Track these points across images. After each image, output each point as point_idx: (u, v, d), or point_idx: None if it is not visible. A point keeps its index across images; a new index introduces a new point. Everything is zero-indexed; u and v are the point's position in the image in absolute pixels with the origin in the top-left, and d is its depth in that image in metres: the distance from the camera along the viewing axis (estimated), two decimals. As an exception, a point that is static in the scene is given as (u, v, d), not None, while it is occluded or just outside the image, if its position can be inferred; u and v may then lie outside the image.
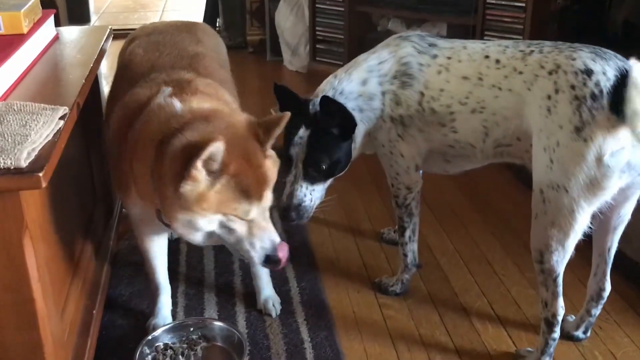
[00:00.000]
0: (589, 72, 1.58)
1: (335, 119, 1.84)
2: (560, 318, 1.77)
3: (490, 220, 2.66)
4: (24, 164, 1.11)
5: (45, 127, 1.23)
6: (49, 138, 1.22)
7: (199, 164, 1.35)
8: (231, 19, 5.29)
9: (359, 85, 1.90)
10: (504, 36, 3.46)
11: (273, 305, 2.09)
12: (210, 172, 1.39)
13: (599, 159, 1.55)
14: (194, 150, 1.36)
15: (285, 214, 1.91)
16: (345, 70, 1.94)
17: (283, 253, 1.55)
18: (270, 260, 1.54)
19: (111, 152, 1.72)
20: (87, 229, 1.87)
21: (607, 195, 1.61)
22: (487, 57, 1.79)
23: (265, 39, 5.03)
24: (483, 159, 1.91)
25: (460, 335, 2.00)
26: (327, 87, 1.93)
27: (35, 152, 1.15)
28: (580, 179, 1.58)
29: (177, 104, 1.56)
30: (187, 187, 1.38)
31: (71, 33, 2.05)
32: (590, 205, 1.62)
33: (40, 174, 1.10)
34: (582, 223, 1.64)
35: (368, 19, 4.42)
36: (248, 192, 1.44)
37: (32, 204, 1.21)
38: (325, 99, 1.82)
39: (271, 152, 1.54)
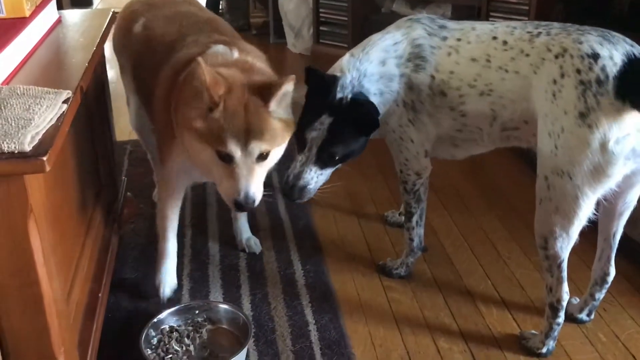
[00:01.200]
0: (595, 57, 1.56)
1: (364, 118, 1.81)
2: (564, 303, 1.78)
3: (495, 203, 2.66)
4: (27, 148, 1.10)
5: (49, 111, 1.23)
6: (53, 122, 1.21)
7: (200, 97, 1.60)
8: (234, 1, 5.26)
9: (378, 65, 1.86)
10: (510, 17, 3.43)
11: (254, 243, 2.33)
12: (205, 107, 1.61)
13: (604, 146, 1.53)
14: (202, 84, 1.59)
15: (289, 192, 1.91)
16: (362, 49, 1.88)
17: (251, 203, 1.66)
18: (237, 205, 1.67)
19: (158, 110, 1.92)
20: (92, 211, 1.87)
21: (611, 183, 1.60)
22: (495, 38, 1.76)
23: (269, 22, 5.01)
24: (490, 143, 1.90)
25: (465, 318, 2.00)
26: (349, 67, 1.85)
27: (39, 136, 1.15)
28: (585, 166, 1.56)
29: (234, 53, 1.83)
30: (189, 112, 1.65)
31: (74, 16, 2.04)
32: (595, 193, 1.60)
33: (44, 158, 1.10)
34: (586, 210, 1.63)
35: (372, 0, 4.39)
36: (235, 133, 1.60)
37: (37, 188, 1.21)
38: (359, 100, 1.80)
39: (282, 114, 1.68)
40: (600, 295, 1.93)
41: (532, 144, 1.79)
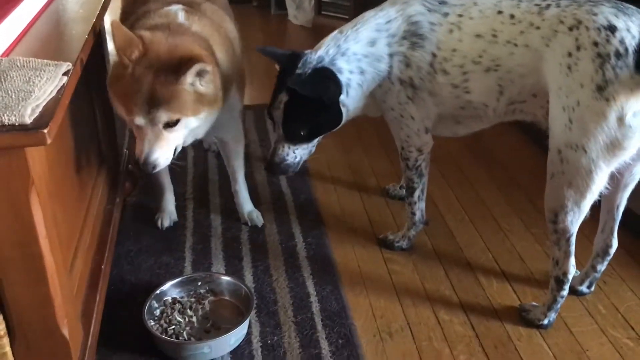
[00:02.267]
0: (612, 29, 1.53)
1: (315, 89, 1.78)
2: (570, 277, 1.78)
3: (496, 176, 2.66)
4: (28, 120, 1.10)
5: (49, 83, 1.23)
6: (53, 94, 1.21)
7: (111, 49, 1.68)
8: (235, -28, 5.21)
9: (366, 45, 1.84)
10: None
11: (256, 216, 2.35)
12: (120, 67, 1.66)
13: (621, 119, 1.52)
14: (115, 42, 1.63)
15: (268, 167, 1.96)
16: (353, 27, 1.87)
17: (150, 167, 1.73)
18: (135, 162, 1.76)
19: None
20: (94, 185, 1.87)
21: (626, 156, 1.59)
22: (500, 12, 1.73)
23: (270, -7, 4.97)
24: (495, 118, 1.88)
25: (465, 290, 2.02)
26: (330, 44, 1.85)
27: (40, 109, 1.15)
28: (601, 139, 1.55)
29: (181, 15, 1.87)
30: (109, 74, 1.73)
31: (73, -13, 2.02)
32: (609, 166, 1.59)
33: (45, 131, 1.10)
34: (599, 183, 1.62)
35: (374, -29, 4.35)
36: (139, 98, 1.64)
37: (38, 160, 1.21)
38: (315, 72, 1.79)
39: (200, 88, 1.70)
40: (602, 267, 1.93)
41: (538, 117, 1.78)
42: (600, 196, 1.68)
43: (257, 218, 2.36)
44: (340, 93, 1.83)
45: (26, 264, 1.23)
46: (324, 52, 1.84)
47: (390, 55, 1.84)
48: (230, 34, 2.09)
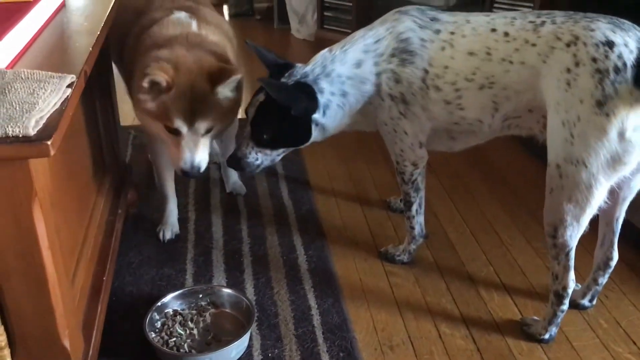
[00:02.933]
0: (610, 44, 1.54)
1: (289, 103, 1.81)
2: (570, 291, 1.78)
3: (497, 189, 2.66)
4: (32, 132, 1.11)
5: (53, 95, 1.23)
6: (57, 106, 1.22)
7: (145, 84, 1.75)
8: (238, -15, 5.24)
9: (352, 67, 1.85)
10: (515, 4, 3.41)
11: (239, 187, 2.58)
12: (157, 90, 1.77)
13: (621, 134, 1.52)
14: (144, 70, 1.76)
15: (229, 160, 2.01)
16: (342, 47, 1.88)
17: (196, 172, 1.89)
18: (184, 172, 1.89)
19: (126, 72, 2.08)
20: (96, 196, 1.88)
21: (626, 170, 1.59)
22: (493, 30, 1.73)
23: (273, 7, 4.99)
24: (490, 133, 1.89)
25: (467, 304, 2.01)
26: (318, 63, 1.87)
27: (44, 120, 1.15)
28: (601, 155, 1.55)
29: (193, 22, 1.97)
30: (139, 95, 1.80)
31: (78, 0, 2.03)
32: (609, 181, 1.60)
33: (49, 142, 1.10)
34: (599, 198, 1.62)
35: (377, -15, 4.37)
36: (182, 112, 1.78)
37: (41, 171, 1.21)
38: (295, 86, 1.83)
39: (228, 94, 1.84)
40: (603, 280, 1.93)
41: (535, 131, 1.79)
42: (599, 210, 1.68)
43: (241, 188, 2.58)
44: (313, 111, 1.86)
45: (28, 275, 1.23)
46: (310, 69, 1.87)
47: (378, 74, 1.85)
48: (229, 32, 2.19)
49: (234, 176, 2.61)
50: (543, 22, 1.68)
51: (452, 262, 2.22)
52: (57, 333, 1.30)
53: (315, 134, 1.92)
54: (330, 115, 1.89)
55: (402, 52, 1.81)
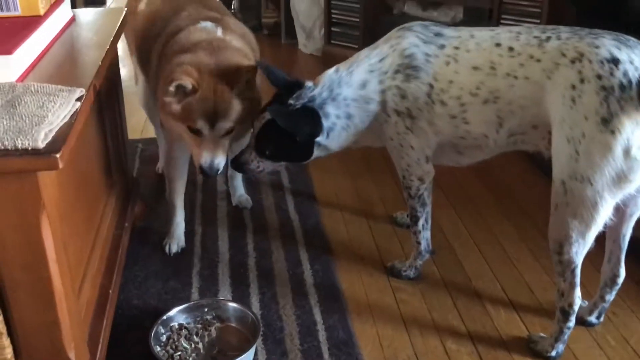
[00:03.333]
0: (615, 61, 1.54)
1: (290, 126, 1.83)
2: (576, 308, 1.77)
3: (504, 205, 2.65)
4: (41, 145, 1.12)
5: (62, 108, 1.24)
6: (66, 119, 1.22)
7: (171, 88, 1.82)
8: (246, 1, 5.27)
9: (357, 89, 1.87)
10: (521, 19, 3.42)
11: (246, 200, 2.60)
12: (182, 93, 1.84)
13: (627, 152, 1.52)
14: (170, 74, 1.84)
15: (232, 162, 2.05)
16: (347, 68, 1.89)
17: (215, 171, 1.96)
18: (202, 171, 1.96)
19: (153, 75, 2.16)
20: (103, 209, 1.88)
21: (631, 188, 1.58)
22: (498, 45, 1.73)
23: (280, 22, 5.02)
24: (496, 148, 1.88)
25: (473, 320, 2.00)
26: (325, 85, 1.88)
27: (53, 133, 1.16)
28: (607, 172, 1.54)
29: (218, 30, 2.05)
30: (165, 97, 1.88)
31: (87, 15, 2.05)
32: (614, 198, 1.59)
33: (57, 155, 1.11)
34: (604, 215, 1.61)
35: (384, 1, 4.39)
36: (205, 114, 1.85)
37: (50, 184, 1.22)
38: (301, 110, 1.84)
39: (248, 93, 1.89)
40: (610, 297, 1.92)
41: (540, 147, 1.78)
42: (605, 226, 1.67)
43: (247, 201, 2.60)
44: (316, 135, 1.88)
45: (35, 287, 1.23)
46: (318, 92, 1.87)
47: (382, 92, 1.86)
48: (253, 43, 2.23)
49: (240, 189, 2.63)
50: (548, 38, 1.68)
51: (459, 277, 2.21)
52: (63, 346, 1.30)
53: (317, 153, 1.95)
54: (334, 137, 1.92)
55: (407, 68, 1.82)
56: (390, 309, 2.05)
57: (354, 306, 2.06)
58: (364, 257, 2.33)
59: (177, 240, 2.35)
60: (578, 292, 1.76)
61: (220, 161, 1.95)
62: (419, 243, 2.14)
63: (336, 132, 1.91)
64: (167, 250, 2.32)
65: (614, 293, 1.91)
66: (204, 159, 1.93)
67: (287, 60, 4.59)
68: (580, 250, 1.68)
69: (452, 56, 1.79)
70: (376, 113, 1.89)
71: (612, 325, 1.97)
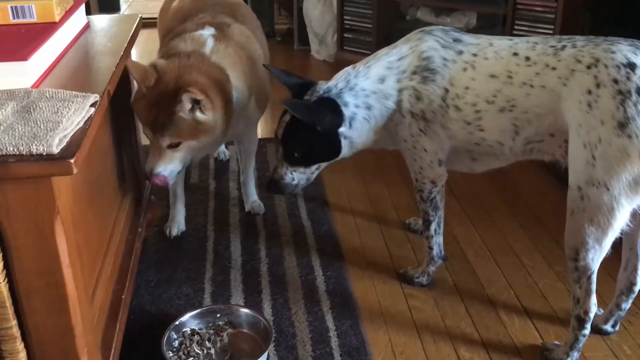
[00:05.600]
0: (632, 66, 1.53)
1: (309, 116, 1.83)
2: (592, 315, 1.75)
3: (518, 212, 2.64)
4: (55, 150, 1.12)
5: (77, 114, 1.25)
6: (80, 125, 1.23)
7: (136, 83, 1.88)
8: (259, 7, 5.29)
9: (375, 82, 1.87)
10: (535, 25, 3.41)
11: (259, 205, 2.60)
12: (140, 92, 1.88)
13: None
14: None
15: (268, 185, 2.03)
16: (365, 64, 1.90)
17: (156, 180, 1.98)
18: (145, 176, 2.01)
19: None
20: (116, 215, 1.89)
21: None
22: (515, 54, 1.74)
23: (293, 28, 5.03)
24: (512, 156, 1.88)
25: (487, 327, 1.99)
26: (341, 78, 1.89)
27: (67, 139, 1.17)
28: (624, 177, 1.53)
29: (209, 44, 2.05)
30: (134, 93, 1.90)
31: (102, 21, 2.07)
32: (631, 203, 1.58)
33: (72, 160, 1.11)
34: (621, 221, 1.60)
35: (397, 7, 4.40)
36: (145, 122, 1.91)
37: (64, 189, 1.23)
38: (318, 101, 1.85)
39: (198, 115, 1.88)
40: (627, 305, 1.90)
41: (557, 156, 1.77)
42: (621, 233, 1.66)
43: (259, 207, 2.60)
44: (339, 125, 1.86)
45: (49, 293, 1.24)
46: (333, 84, 1.88)
47: (400, 91, 1.86)
48: (255, 52, 2.26)
49: (253, 195, 2.63)
50: (564, 47, 1.68)
51: (472, 285, 2.19)
52: (76, 351, 1.30)
53: (345, 148, 1.93)
54: (357, 127, 1.90)
55: (424, 70, 1.83)
56: (403, 316, 2.04)
57: (366, 313, 2.05)
58: (376, 263, 2.32)
59: (177, 224, 2.46)
60: (594, 299, 1.74)
61: (161, 170, 1.95)
62: (431, 248, 2.13)
63: (358, 122, 1.89)
64: (167, 233, 2.44)
65: (630, 301, 1.89)
66: (147, 163, 1.97)
67: (300, 67, 4.60)
68: (596, 257, 1.66)
69: (469, 63, 1.79)
70: (393, 111, 1.88)
71: (628, 334, 1.95)
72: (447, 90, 1.81)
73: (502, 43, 1.80)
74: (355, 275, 2.24)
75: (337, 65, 4.47)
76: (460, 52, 1.81)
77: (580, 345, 1.79)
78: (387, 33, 4.28)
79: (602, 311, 1.97)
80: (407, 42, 1.90)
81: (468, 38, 1.85)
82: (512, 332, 1.96)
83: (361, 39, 4.48)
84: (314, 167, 1.98)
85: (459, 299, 2.12)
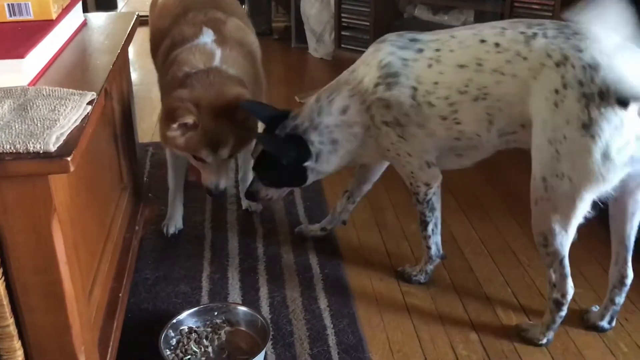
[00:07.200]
0: (596, 67, 1.56)
1: (277, 151, 1.95)
2: (569, 297, 1.80)
3: (515, 210, 2.64)
4: (52, 148, 1.12)
5: (74, 112, 1.25)
6: (77, 123, 1.23)
7: (175, 125, 1.93)
8: (257, 5, 5.28)
9: (338, 115, 1.93)
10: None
11: (257, 204, 2.57)
12: (184, 127, 1.95)
13: (606, 155, 1.57)
14: (172, 112, 1.92)
15: (245, 194, 2.22)
16: (327, 96, 1.95)
17: (220, 193, 2.13)
18: (207, 191, 2.12)
19: (159, 68, 2.28)
20: (114, 213, 1.89)
21: (608, 187, 1.64)
22: (483, 41, 1.75)
23: (291, 26, 5.02)
24: (491, 148, 1.91)
25: (484, 325, 1.99)
26: (306, 116, 1.96)
27: (64, 137, 1.17)
28: (586, 172, 1.60)
29: (217, 54, 2.10)
30: (168, 132, 1.97)
31: (99, 19, 2.06)
32: (591, 195, 1.65)
33: (69, 158, 1.11)
34: (582, 209, 1.67)
35: (394, 5, 4.40)
36: (207, 144, 1.98)
37: (61, 188, 1.22)
38: (286, 138, 1.96)
39: (239, 121, 1.98)
40: (620, 299, 1.91)
41: (530, 146, 1.79)
42: (611, 227, 1.75)
43: (257, 205, 2.60)
44: (304, 159, 1.96)
45: (46, 291, 1.23)
46: (300, 122, 1.96)
47: (367, 109, 1.89)
48: (252, 45, 2.32)
49: None
50: (535, 34, 1.69)
51: (470, 283, 2.20)
52: (74, 349, 1.30)
53: (312, 177, 2.04)
54: (323, 161, 1.99)
55: (386, 77, 1.85)
56: (401, 314, 2.04)
57: (364, 311, 2.05)
58: (374, 261, 2.32)
59: (175, 222, 2.48)
60: (570, 282, 1.80)
61: (224, 182, 2.10)
62: (429, 248, 2.13)
63: (324, 156, 1.98)
64: (165, 231, 2.45)
65: (623, 295, 1.90)
66: (209, 181, 2.08)
67: (297, 65, 4.60)
68: (564, 241, 1.73)
69: (434, 58, 1.81)
70: (364, 132, 1.94)
71: (625, 331, 1.95)
72: (415, 89, 1.82)
73: (464, 33, 1.82)
74: (353, 273, 2.24)
75: (334, 62, 4.47)
76: (420, 50, 1.83)
77: (557, 325, 1.84)
78: (384, 31, 4.24)
79: (598, 307, 1.98)
80: (364, 60, 1.92)
81: (425, 36, 1.87)
82: (510, 330, 1.97)
83: (359, 36, 4.48)
84: (284, 189, 2.16)
85: (457, 297, 2.12)
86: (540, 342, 1.86)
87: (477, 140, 1.86)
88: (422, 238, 2.14)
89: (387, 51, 1.86)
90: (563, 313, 1.82)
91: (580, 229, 1.73)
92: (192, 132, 1.96)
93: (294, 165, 1.97)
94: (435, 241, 2.14)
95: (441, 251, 2.18)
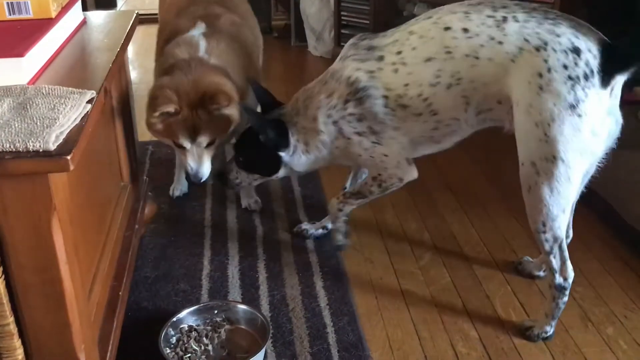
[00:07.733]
0: (577, 51, 1.61)
1: (257, 124, 2.03)
2: (571, 280, 1.82)
3: (514, 207, 2.63)
4: (52, 147, 1.12)
5: (73, 110, 1.25)
6: (77, 121, 1.23)
7: (156, 114, 1.99)
8: (256, 3, 5.27)
9: (310, 122, 1.99)
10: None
11: (254, 202, 2.62)
12: (166, 114, 1.99)
13: (594, 132, 1.63)
14: (155, 101, 1.98)
15: (216, 174, 2.24)
16: (304, 100, 2.01)
17: (199, 180, 2.14)
18: (187, 176, 2.19)
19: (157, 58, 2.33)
20: (113, 211, 1.89)
21: (596, 159, 1.71)
22: (447, 28, 1.75)
23: (290, 24, 5.02)
24: (469, 128, 1.92)
25: (483, 323, 1.99)
26: (289, 111, 2.04)
27: (64, 135, 1.17)
28: (576, 149, 1.64)
29: (202, 45, 2.15)
30: (149, 119, 2.03)
31: (98, 17, 2.06)
32: (582, 169, 1.70)
33: (68, 157, 1.11)
34: (576, 186, 1.71)
35: (394, 3, 4.39)
36: (186, 132, 2.03)
37: (60, 186, 1.22)
38: (269, 122, 2.03)
39: (226, 110, 2.02)
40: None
41: (505, 123, 1.81)
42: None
43: (256, 204, 2.63)
44: (282, 145, 2.04)
45: (46, 289, 1.23)
46: (286, 112, 2.06)
47: (334, 123, 1.94)
48: (247, 40, 2.35)
49: (250, 192, 2.63)
50: (504, 18, 1.70)
51: (469, 281, 2.20)
52: (74, 347, 1.30)
53: (283, 171, 2.12)
54: (296, 158, 2.06)
55: (356, 93, 1.88)
56: (401, 312, 2.04)
57: (363, 309, 2.05)
58: (373, 260, 2.32)
59: (180, 186, 2.68)
60: (570, 265, 1.81)
61: (204, 169, 2.12)
62: (341, 210, 2.18)
63: (297, 154, 2.05)
64: (171, 193, 2.67)
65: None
66: (189, 167, 2.12)
67: (297, 63, 4.59)
68: (562, 224, 1.75)
69: (397, 62, 1.83)
70: (331, 141, 1.98)
71: (624, 329, 1.96)
72: (386, 97, 1.84)
73: (422, 25, 1.82)
74: (352, 271, 2.25)
75: (334, 61, 4.45)
76: (380, 58, 1.85)
77: (559, 313, 1.85)
78: (384, 29, 4.26)
79: (530, 259, 2.15)
80: (334, 75, 1.96)
81: (380, 40, 1.89)
82: (510, 328, 1.97)
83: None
84: (255, 176, 2.20)
85: (456, 295, 2.12)
86: (548, 334, 1.87)
87: (456, 124, 1.88)
88: (348, 204, 2.15)
89: (352, 67, 1.89)
90: (566, 298, 1.83)
91: (579, 227, 1.73)
92: (172, 119, 2.00)
93: (271, 150, 2.04)
94: (348, 214, 2.20)
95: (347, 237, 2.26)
